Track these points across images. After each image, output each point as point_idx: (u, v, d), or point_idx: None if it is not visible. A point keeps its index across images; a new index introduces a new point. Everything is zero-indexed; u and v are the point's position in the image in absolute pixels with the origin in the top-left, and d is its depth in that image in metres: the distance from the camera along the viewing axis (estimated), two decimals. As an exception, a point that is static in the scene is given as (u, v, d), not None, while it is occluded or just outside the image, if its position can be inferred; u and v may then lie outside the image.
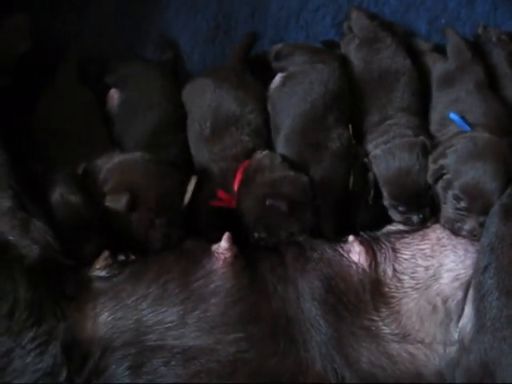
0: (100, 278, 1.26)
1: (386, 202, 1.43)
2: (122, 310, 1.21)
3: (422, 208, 1.40)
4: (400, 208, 1.41)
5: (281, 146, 1.47)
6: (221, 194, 1.37)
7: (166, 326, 1.20)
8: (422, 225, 1.40)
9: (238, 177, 1.38)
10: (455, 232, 1.34)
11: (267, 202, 1.30)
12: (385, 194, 1.42)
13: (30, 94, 1.49)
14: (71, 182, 1.30)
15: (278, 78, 1.56)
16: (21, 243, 1.22)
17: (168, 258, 1.29)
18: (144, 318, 1.20)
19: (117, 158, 1.33)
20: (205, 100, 1.49)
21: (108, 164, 1.32)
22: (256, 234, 1.33)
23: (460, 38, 1.62)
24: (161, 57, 1.65)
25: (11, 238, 1.22)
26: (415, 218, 1.39)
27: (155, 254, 1.31)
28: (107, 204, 1.27)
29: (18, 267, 1.20)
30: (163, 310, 1.21)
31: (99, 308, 1.21)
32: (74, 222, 1.27)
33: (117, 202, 1.26)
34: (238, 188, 1.37)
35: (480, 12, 1.70)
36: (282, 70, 1.56)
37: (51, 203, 1.28)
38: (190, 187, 1.36)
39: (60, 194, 1.27)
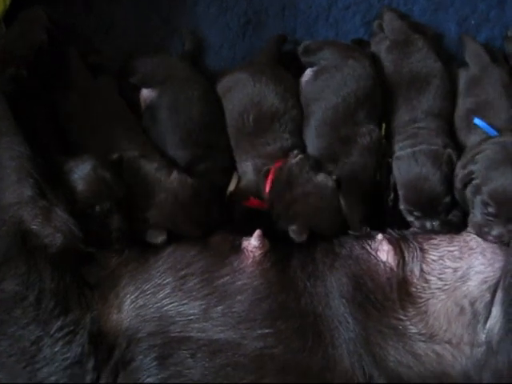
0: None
1: (401, 206, 1.42)
2: (142, 298, 1.22)
3: (437, 215, 1.38)
4: (415, 213, 1.40)
5: (311, 138, 1.48)
6: (253, 201, 1.39)
7: (189, 318, 1.21)
8: (437, 232, 1.39)
9: (270, 177, 1.39)
10: (482, 236, 1.33)
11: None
12: (401, 197, 1.41)
13: (49, 87, 1.49)
14: (103, 162, 1.32)
15: (309, 71, 1.56)
16: (43, 232, 1.23)
17: (189, 252, 1.29)
18: (165, 308, 1.21)
19: (163, 192, 1.34)
20: (245, 94, 1.49)
21: (156, 195, 1.34)
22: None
23: (477, 43, 1.61)
24: (182, 48, 1.65)
25: (34, 226, 1.23)
26: (428, 225, 1.39)
27: (174, 246, 1.31)
28: (147, 239, 1.32)
29: (41, 256, 1.21)
30: (183, 302, 1.22)
31: (122, 295, 1.22)
32: (104, 196, 1.28)
33: (154, 239, 1.32)
34: (269, 191, 1.38)
35: (510, 14, 1.67)
36: (310, 65, 1.56)
37: (80, 179, 1.29)
38: (231, 186, 1.40)
39: (93, 168, 1.29)
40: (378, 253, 1.33)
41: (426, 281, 1.30)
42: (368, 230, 1.38)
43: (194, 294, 1.23)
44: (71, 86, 1.49)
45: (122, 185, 1.32)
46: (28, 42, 1.47)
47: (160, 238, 1.31)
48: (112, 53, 1.62)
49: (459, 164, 1.39)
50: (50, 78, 1.49)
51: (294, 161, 1.41)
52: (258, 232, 1.30)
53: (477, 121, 1.46)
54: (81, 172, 1.29)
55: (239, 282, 1.25)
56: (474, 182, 1.34)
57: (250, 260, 1.28)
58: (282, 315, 1.22)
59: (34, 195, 1.24)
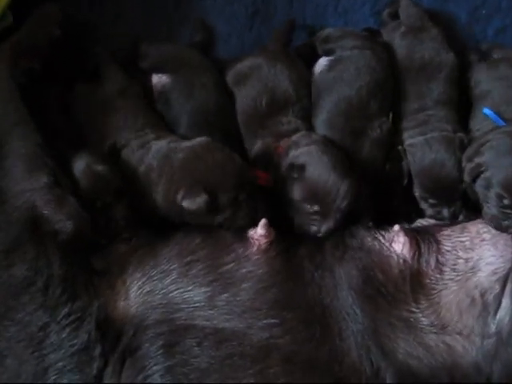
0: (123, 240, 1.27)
1: (416, 194, 1.42)
2: (148, 284, 1.22)
3: (453, 202, 1.38)
4: (430, 200, 1.40)
5: (321, 130, 1.46)
6: (259, 173, 1.37)
7: (194, 305, 1.20)
8: (453, 220, 1.38)
9: (279, 150, 1.38)
10: (502, 230, 1.30)
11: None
12: (416, 184, 1.41)
13: (63, 79, 1.51)
14: (96, 155, 1.32)
15: (324, 61, 1.54)
16: (55, 218, 1.23)
17: (194, 240, 1.28)
18: (171, 294, 1.21)
19: (181, 154, 1.30)
20: (259, 79, 1.49)
21: (175, 160, 1.29)
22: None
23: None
24: (192, 39, 1.65)
25: (45, 212, 1.23)
26: (445, 212, 1.38)
27: (182, 234, 1.30)
28: (185, 206, 1.23)
29: (51, 242, 1.21)
30: (189, 288, 1.21)
31: (129, 281, 1.22)
32: (102, 191, 1.28)
33: (196, 205, 1.23)
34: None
35: (522, 4, 1.67)
36: (328, 53, 1.54)
37: (77, 177, 1.29)
38: None
39: (87, 164, 1.30)
40: (393, 244, 1.30)
41: (441, 272, 1.28)
42: (371, 224, 1.35)
43: (200, 280, 1.22)
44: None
45: (117, 174, 1.32)
46: (42, 37, 1.49)
47: (199, 200, 1.22)
48: (118, 44, 1.61)
49: (465, 156, 1.38)
50: (62, 70, 1.52)
51: (304, 132, 1.41)
52: (264, 221, 1.28)
53: (486, 110, 1.45)
54: (77, 170, 1.30)
55: (244, 270, 1.23)
56: (483, 175, 1.32)
57: (255, 248, 1.26)
58: (288, 305, 1.21)
59: (49, 182, 1.25)
